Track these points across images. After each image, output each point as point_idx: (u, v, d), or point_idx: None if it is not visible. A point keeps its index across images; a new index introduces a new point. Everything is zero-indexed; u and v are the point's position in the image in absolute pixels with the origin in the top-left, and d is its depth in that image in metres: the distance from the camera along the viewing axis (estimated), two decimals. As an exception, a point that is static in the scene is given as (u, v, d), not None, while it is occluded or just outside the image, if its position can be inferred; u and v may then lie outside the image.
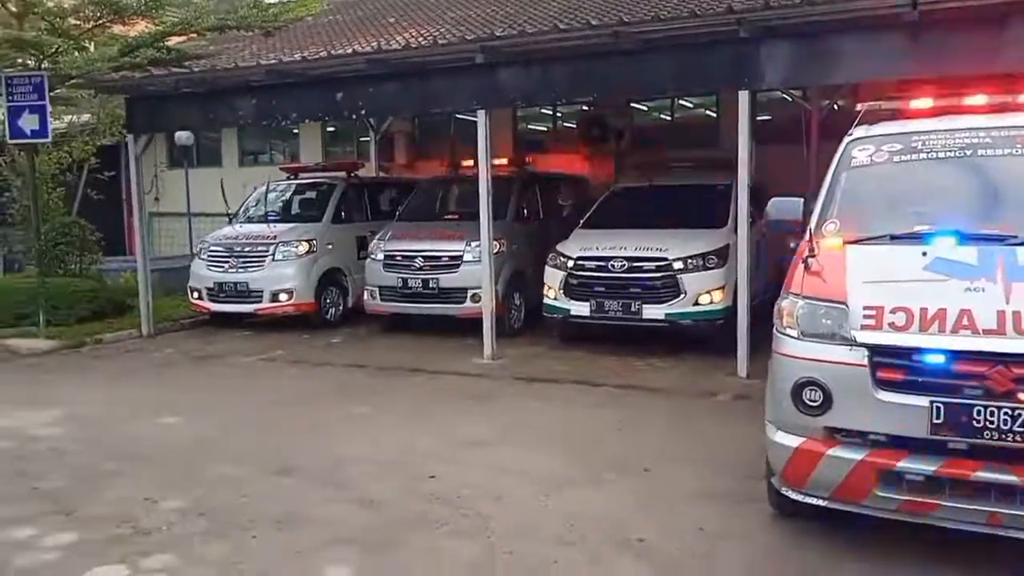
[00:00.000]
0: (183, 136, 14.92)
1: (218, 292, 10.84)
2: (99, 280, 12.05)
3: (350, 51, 8.97)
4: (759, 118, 11.14)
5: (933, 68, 6.90)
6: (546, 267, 9.01)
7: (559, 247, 9.02)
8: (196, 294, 11.10)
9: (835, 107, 10.94)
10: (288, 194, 12.20)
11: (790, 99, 11.36)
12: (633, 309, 8.38)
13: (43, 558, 4.12)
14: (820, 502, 3.87)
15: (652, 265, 8.39)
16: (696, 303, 8.27)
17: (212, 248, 11.12)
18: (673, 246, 8.43)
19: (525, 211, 10.72)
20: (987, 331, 3.46)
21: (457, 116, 13.65)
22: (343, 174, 12.19)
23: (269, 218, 11.44)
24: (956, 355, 3.47)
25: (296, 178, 12.46)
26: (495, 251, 9.01)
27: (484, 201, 8.65)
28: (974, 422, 3.42)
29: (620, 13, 8.09)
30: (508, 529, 4.34)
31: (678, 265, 8.31)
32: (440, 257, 9.86)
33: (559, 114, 14.74)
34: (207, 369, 8.90)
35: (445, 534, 4.31)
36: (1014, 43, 6.57)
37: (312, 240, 10.85)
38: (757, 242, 8.31)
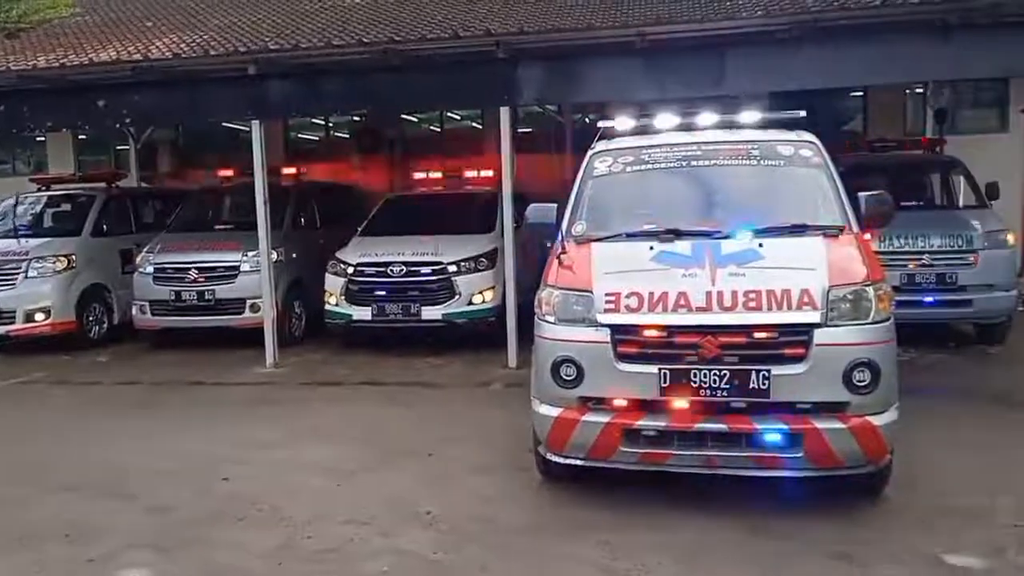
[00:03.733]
0: (-96, 143, 13.43)
1: (-40, 314, 9.95)
2: None
3: (113, 57, 8.65)
4: (520, 130, 12.05)
5: (664, 91, 7.93)
6: (326, 274, 9.22)
7: (339, 254, 9.27)
8: (-68, 317, 10.09)
9: (586, 121, 12.08)
10: (40, 207, 11.38)
11: (544, 113, 12.37)
12: (413, 311, 8.85)
13: None
14: (578, 462, 4.54)
15: (429, 269, 8.90)
16: (470, 303, 8.89)
17: (-48, 267, 10.17)
18: (447, 251, 8.99)
19: (302, 219, 10.85)
20: (699, 308, 4.28)
21: (225, 124, 13.41)
22: (103, 185, 11.59)
23: (19, 233, 10.64)
24: (676, 329, 4.26)
25: (49, 190, 11.67)
26: (274, 260, 9.10)
27: (261, 210, 8.72)
28: (692, 383, 4.22)
29: (389, 31, 8.50)
30: (305, 517, 4.62)
31: (452, 268, 8.89)
32: (216, 268, 9.72)
33: (330, 124, 14.90)
34: (-45, 396, 8.23)
35: (243, 527, 4.52)
36: (733, 72, 7.64)
37: (71, 255, 10.21)
38: (522, 245, 9.08)
